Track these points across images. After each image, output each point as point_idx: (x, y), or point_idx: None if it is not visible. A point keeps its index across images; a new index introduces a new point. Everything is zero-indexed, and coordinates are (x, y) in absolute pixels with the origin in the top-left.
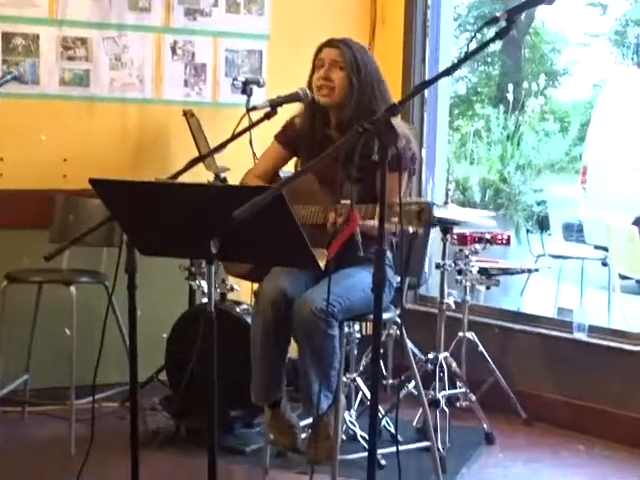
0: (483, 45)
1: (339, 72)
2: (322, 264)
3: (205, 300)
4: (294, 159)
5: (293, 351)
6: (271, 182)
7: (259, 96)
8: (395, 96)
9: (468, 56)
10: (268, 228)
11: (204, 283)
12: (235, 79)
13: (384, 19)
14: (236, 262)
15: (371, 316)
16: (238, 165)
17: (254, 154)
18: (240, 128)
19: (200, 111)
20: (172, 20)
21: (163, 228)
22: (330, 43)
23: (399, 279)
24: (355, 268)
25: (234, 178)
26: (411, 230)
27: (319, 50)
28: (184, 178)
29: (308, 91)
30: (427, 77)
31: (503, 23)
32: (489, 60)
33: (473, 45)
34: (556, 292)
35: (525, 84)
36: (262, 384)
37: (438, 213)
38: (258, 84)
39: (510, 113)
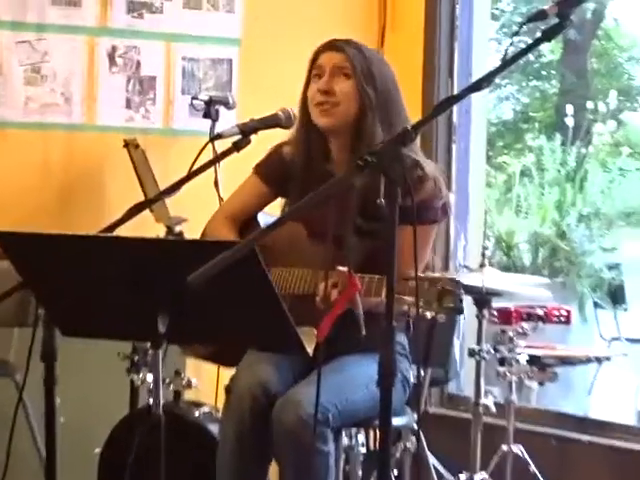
0: (525, 50)
1: (345, 81)
2: (310, 349)
3: (151, 401)
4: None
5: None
6: (245, 228)
7: (228, 121)
8: (411, 120)
9: (506, 64)
10: (236, 299)
11: (150, 377)
12: (195, 98)
13: (397, 20)
14: (193, 344)
15: (377, 422)
16: (199, 214)
17: (220, 198)
18: (201, 162)
19: (147, 141)
20: (110, 18)
21: (94, 299)
22: (331, 46)
23: (418, 370)
24: (355, 356)
25: (193, 231)
26: (428, 316)
27: (315, 56)
28: (124, 231)
29: (293, 113)
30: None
31: (554, 19)
32: (544, 74)
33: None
34: (636, 390)
35: (591, 105)
36: None
37: (472, 280)
38: (226, 105)
39: (570, 144)
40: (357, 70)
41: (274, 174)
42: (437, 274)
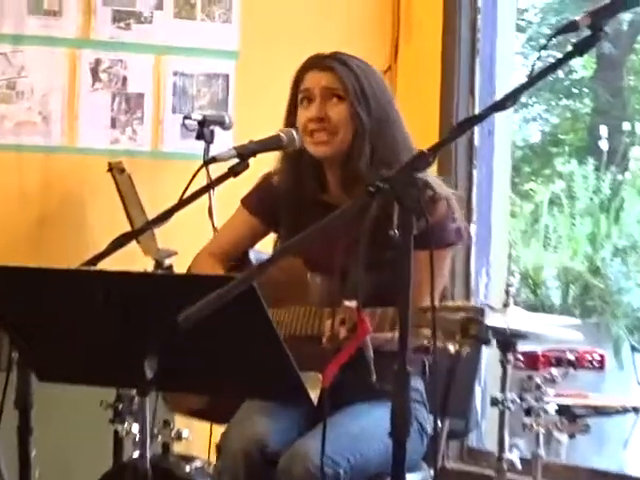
0: (555, 65)
1: (338, 104)
2: (315, 396)
3: (137, 453)
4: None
5: None
6: (236, 267)
7: (223, 143)
8: (427, 142)
9: (533, 81)
10: (232, 340)
11: (136, 427)
12: (187, 117)
13: (411, 31)
14: (184, 393)
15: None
16: (191, 246)
17: (215, 228)
18: (194, 189)
19: (134, 165)
20: (93, 28)
21: (74, 340)
22: (316, 64)
23: (435, 421)
24: (366, 404)
25: (184, 265)
26: (451, 350)
27: (300, 76)
28: (108, 265)
29: (295, 134)
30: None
31: (586, 31)
32: (576, 92)
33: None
34: None
35: (627, 126)
36: None
37: (495, 321)
38: (222, 125)
39: (605, 170)
40: (350, 91)
41: (264, 206)
42: (458, 302)
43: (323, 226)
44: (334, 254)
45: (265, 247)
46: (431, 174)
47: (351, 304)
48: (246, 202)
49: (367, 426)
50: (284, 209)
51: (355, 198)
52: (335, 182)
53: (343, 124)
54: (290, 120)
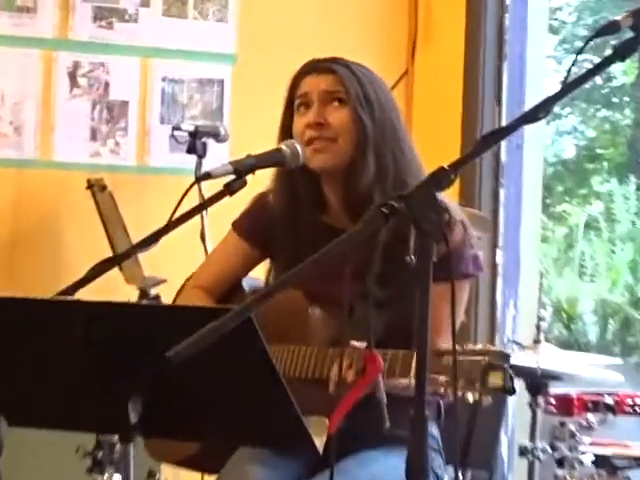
0: (592, 71)
1: (339, 109)
2: (320, 443)
3: None
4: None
5: None
6: (227, 298)
7: (218, 157)
8: (448, 158)
9: (568, 89)
10: (227, 379)
11: (118, 478)
12: (177, 128)
13: (431, 30)
14: (171, 440)
15: None
16: (180, 274)
17: (207, 252)
18: (184, 209)
19: (117, 181)
20: (72, 28)
21: (48, 379)
22: (315, 67)
23: (455, 473)
24: (376, 451)
25: (173, 295)
26: (470, 399)
27: (296, 82)
28: (87, 294)
29: (299, 147)
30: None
31: (628, 33)
32: (615, 101)
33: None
34: None
35: None
36: None
37: (523, 359)
38: (216, 137)
39: None
40: (352, 94)
41: (257, 229)
42: (479, 346)
43: (327, 253)
44: (338, 285)
45: (259, 273)
46: (442, 194)
47: (360, 345)
48: (237, 225)
49: (378, 474)
50: (280, 233)
51: (364, 220)
52: (336, 201)
53: (344, 130)
54: (284, 133)
